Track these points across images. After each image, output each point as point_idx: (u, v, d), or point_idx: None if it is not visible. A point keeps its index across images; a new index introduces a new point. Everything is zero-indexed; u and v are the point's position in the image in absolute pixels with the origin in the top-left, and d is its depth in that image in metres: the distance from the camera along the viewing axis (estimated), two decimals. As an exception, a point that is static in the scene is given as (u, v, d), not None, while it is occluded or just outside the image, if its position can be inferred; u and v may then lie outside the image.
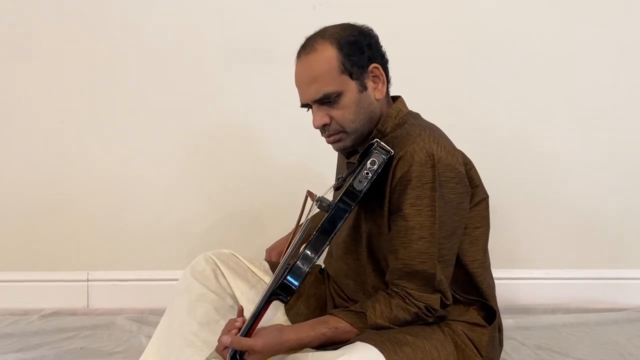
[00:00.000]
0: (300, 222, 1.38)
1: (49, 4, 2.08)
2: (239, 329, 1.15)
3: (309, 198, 1.31)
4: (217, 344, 1.30)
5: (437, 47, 2.07)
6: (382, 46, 1.29)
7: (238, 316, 1.21)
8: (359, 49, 1.23)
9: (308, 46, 1.25)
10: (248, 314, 1.19)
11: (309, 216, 1.32)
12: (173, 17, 2.09)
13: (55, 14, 2.09)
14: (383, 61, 1.29)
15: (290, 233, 1.54)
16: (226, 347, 1.13)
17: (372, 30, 1.29)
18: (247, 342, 1.11)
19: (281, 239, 1.62)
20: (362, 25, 1.28)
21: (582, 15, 2.05)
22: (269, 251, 1.60)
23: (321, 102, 1.24)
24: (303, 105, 1.29)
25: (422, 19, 2.07)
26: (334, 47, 1.22)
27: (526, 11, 2.06)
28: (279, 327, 1.18)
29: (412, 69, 2.04)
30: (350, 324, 1.19)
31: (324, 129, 1.27)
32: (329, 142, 1.30)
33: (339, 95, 1.22)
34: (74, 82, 2.12)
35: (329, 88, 1.22)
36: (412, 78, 2.00)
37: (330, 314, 1.23)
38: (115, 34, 2.10)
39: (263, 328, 1.16)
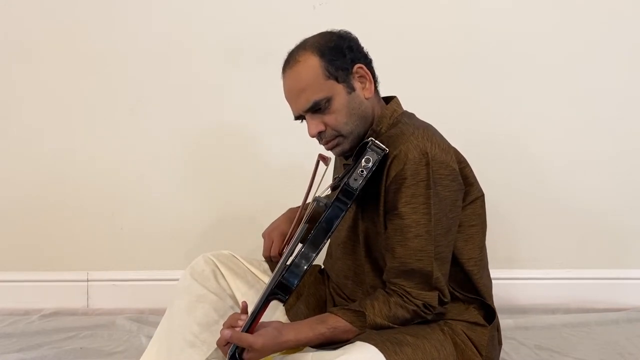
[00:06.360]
0: (312, 187, 1.37)
1: (49, 4, 2.09)
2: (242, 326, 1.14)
3: (321, 162, 1.31)
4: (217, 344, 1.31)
5: (435, 47, 2.07)
6: (363, 47, 1.31)
7: (242, 312, 1.20)
8: (340, 53, 1.25)
9: (291, 60, 1.27)
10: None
11: (321, 180, 1.31)
12: (173, 17, 2.09)
13: (55, 14, 2.09)
14: (367, 61, 1.30)
15: (288, 211, 1.51)
16: (227, 343, 1.13)
17: (350, 33, 1.31)
18: (247, 338, 1.10)
19: (277, 219, 1.51)
20: (339, 30, 1.31)
21: (581, 15, 2.05)
22: (268, 233, 1.46)
23: (313, 110, 1.25)
24: (297, 118, 1.31)
25: (421, 20, 2.07)
26: (315, 56, 1.24)
27: (525, 12, 2.05)
28: (278, 327, 1.17)
29: (410, 69, 2.04)
30: (350, 323, 1.18)
31: (320, 136, 1.28)
32: (328, 149, 1.31)
33: (328, 100, 1.24)
34: (74, 82, 2.12)
35: (318, 95, 1.23)
36: (411, 78, 2.01)
37: (329, 312, 1.22)
38: (115, 34, 2.10)
39: (263, 325, 1.15)
